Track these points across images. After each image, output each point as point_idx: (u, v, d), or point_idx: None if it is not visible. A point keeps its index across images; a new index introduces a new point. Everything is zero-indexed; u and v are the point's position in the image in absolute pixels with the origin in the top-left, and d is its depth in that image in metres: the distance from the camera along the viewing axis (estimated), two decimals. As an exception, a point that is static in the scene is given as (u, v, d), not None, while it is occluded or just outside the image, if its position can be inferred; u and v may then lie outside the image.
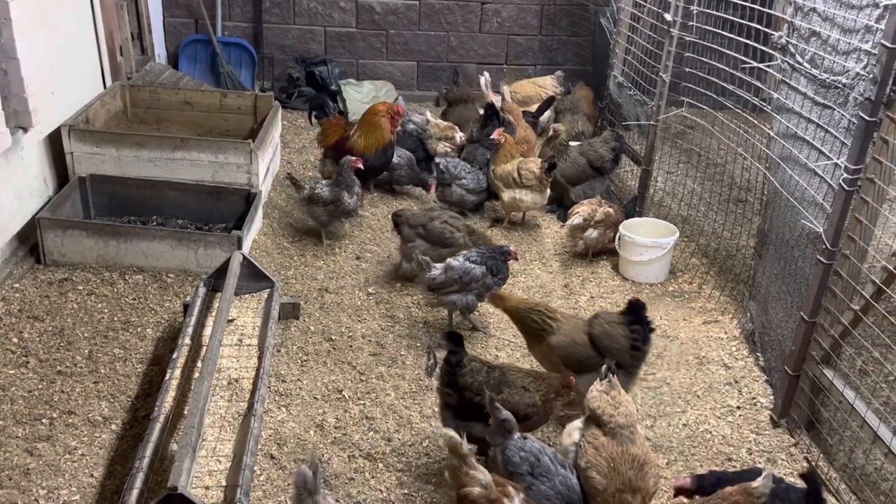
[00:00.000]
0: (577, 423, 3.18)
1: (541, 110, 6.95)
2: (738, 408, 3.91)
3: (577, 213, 5.26)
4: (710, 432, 3.73)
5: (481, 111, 6.71)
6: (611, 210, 5.26)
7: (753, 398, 3.98)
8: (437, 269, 4.31)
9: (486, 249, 4.48)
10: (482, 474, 2.73)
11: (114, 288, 4.49)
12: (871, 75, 3.13)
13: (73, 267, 4.62)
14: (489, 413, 3.10)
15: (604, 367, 3.22)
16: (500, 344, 4.33)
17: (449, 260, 4.38)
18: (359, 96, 7.56)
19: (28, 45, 4.56)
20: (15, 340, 3.98)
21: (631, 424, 3.03)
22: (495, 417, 3.10)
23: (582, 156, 5.96)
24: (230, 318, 3.93)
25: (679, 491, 3.05)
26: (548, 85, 7.53)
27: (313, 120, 5.93)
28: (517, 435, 3.09)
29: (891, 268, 3.25)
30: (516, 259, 4.52)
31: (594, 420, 3.09)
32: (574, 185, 5.95)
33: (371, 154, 5.53)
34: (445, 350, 3.39)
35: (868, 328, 3.44)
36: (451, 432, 2.80)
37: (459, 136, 6.57)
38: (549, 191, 5.62)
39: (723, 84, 4.62)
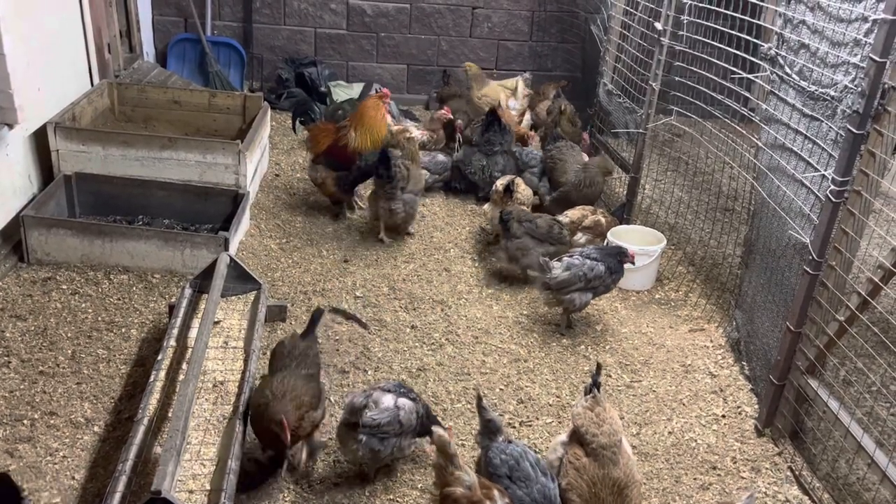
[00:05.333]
0: (563, 436, 3.16)
1: None
2: (723, 416, 3.93)
3: (567, 214, 5.31)
4: (696, 440, 3.75)
5: (482, 107, 6.79)
6: (602, 219, 5.27)
7: (738, 407, 4.00)
8: (557, 269, 4.39)
9: (602, 248, 4.59)
10: (467, 475, 2.74)
11: (98, 288, 4.44)
12: (860, 88, 3.16)
13: (58, 266, 4.57)
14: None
15: (590, 381, 3.21)
16: (488, 349, 4.33)
17: (567, 259, 4.47)
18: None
19: (14, 41, 4.51)
20: (-4, 339, 3.93)
21: (614, 444, 2.98)
22: (482, 417, 3.12)
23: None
24: (216, 319, 3.90)
25: None
26: (512, 85, 7.55)
27: (297, 127, 5.85)
28: (501, 437, 3.10)
29: (876, 279, 3.28)
30: (633, 262, 4.59)
31: (577, 437, 3.05)
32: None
33: (378, 150, 5.44)
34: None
35: (852, 338, 3.47)
36: (441, 430, 2.80)
37: (417, 133, 6.51)
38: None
39: (712, 94, 4.66)
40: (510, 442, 3.09)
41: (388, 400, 3.21)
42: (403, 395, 3.28)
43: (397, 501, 3.26)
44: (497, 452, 3.01)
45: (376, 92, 6.85)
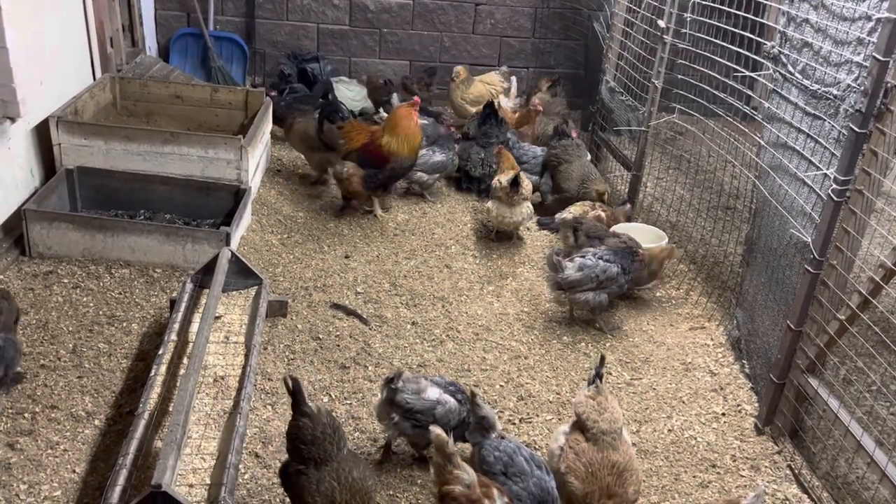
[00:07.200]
0: (565, 427, 3.19)
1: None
2: (723, 414, 3.94)
3: (569, 210, 5.31)
4: (695, 438, 3.75)
5: (471, 109, 6.80)
6: (602, 214, 5.28)
7: (738, 405, 4.00)
8: (569, 269, 4.39)
9: (615, 249, 4.57)
10: (466, 474, 2.74)
11: (100, 282, 4.45)
12: (863, 87, 3.15)
13: (59, 260, 4.58)
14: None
15: (592, 373, 3.24)
16: (488, 346, 4.33)
17: (579, 259, 4.47)
18: (350, 94, 7.53)
19: (17, 35, 4.51)
20: (-2, 333, 3.93)
21: (614, 431, 3.03)
22: (475, 414, 3.14)
23: None
24: (217, 314, 3.91)
25: None
26: (495, 82, 7.54)
27: (325, 127, 5.82)
28: (494, 434, 3.12)
29: (877, 279, 3.28)
30: (642, 264, 4.58)
31: (579, 425, 3.10)
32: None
33: (414, 155, 5.59)
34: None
35: (852, 338, 3.47)
36: (439, 430, 2.81)
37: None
38: (523, 208, 5.33)
39: (714, 92, 4.65)
40: (502, 438, 3.11)
41: (433, 392, 3.28)
42: (451, 394, 3.32)
43: (396, 497, 3.27)
44: (491, 450, 3.04)
45: (387, 89, 6.87)
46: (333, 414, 2.93)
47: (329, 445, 2.78)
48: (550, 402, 3.91)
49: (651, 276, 4.80)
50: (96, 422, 3.47)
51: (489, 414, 3.13)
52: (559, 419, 3.77)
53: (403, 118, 5.52)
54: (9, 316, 3.58)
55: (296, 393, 2.85)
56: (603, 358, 3.33)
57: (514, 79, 7.58)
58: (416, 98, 5.81)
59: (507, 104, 7.02)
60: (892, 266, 3.21)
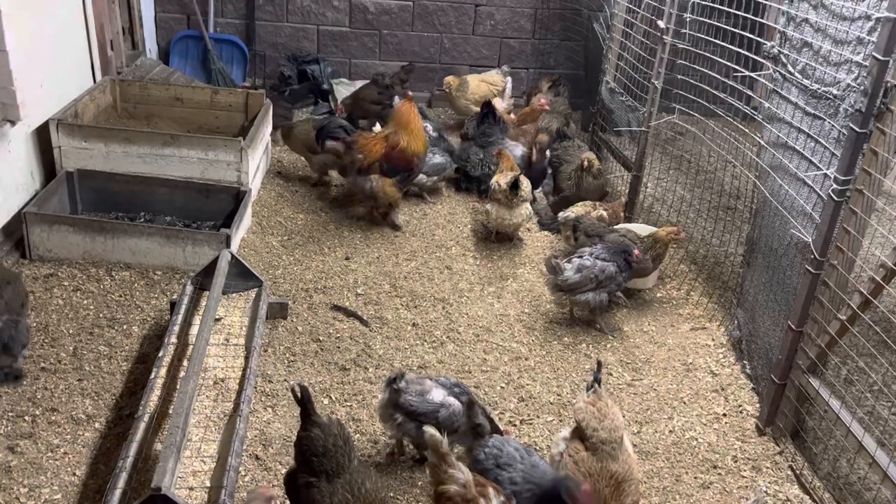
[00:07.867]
0: (565, 432, 3.18)
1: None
2: (724, 415, 3.93)
3: (571, 209, 5.31)
4: (696, 439, 3.74)
5: (476, 109, 6.79)
6: (604, 213, 5.27)
7: (739, 406, 4.00)
8: (568, 270, 4.40)
9: (609, 247, 4.59)
10: (461, 473, 2.75)
11: (100, 284, 4.45)
12: (863, 87, 3.15)
13: (59, 262, 4.58)
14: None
15: (591, 378, 3.23)
16: (489, 347, 4.33)
17: (577, 261, 4.48)
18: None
19: (17, 38, 4.52)
20: (-2, 336, 3.93)
21: (614, 440, 3.00)
22: (470, 420, 3.14)
23: None
24: (217, 316, 3.91)
25: None
26: (497, 81, 7.53)
27: (327, 144, 5.74)
28: (486, 439, 3.13)
29: (878, 279, 3.27)
30: (637, 262, 4.59)
31: (579, 433, 3.08)
32: None
33: (426, 149, 5.63)
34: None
35: (853, 338, 3.47)
36: (433, 430, 2.81)
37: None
38: (523, 210, 5.32)
39: (714, 92, 4.64)
40: (491, 436, 3.13)
41: (437, 394, 3.27)
42: (455, 396, 3.30)
43: (397, 499, 3.26)
44: (480, 449, 3.06)
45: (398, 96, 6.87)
46: (344, 423, 2.89)
47: (341, 457, 2.73)
48: (551, 403, 3.91)
49: (656, 260, 4.81)
50: (96, 425, 3.46)
51: (484, 423, 3.14)
52: (560, 420, 3.77)
53: (411, 115, 5.49)
54: (15, 299, 3.58)
55: (305, 402, 2.80)
56: (600, 363, 3.31)
57: (509, 79, 7.57)
58: (408, 94, 5.80)
59: (500, 105, 7.02)
60: (893, 266, 3.20)
